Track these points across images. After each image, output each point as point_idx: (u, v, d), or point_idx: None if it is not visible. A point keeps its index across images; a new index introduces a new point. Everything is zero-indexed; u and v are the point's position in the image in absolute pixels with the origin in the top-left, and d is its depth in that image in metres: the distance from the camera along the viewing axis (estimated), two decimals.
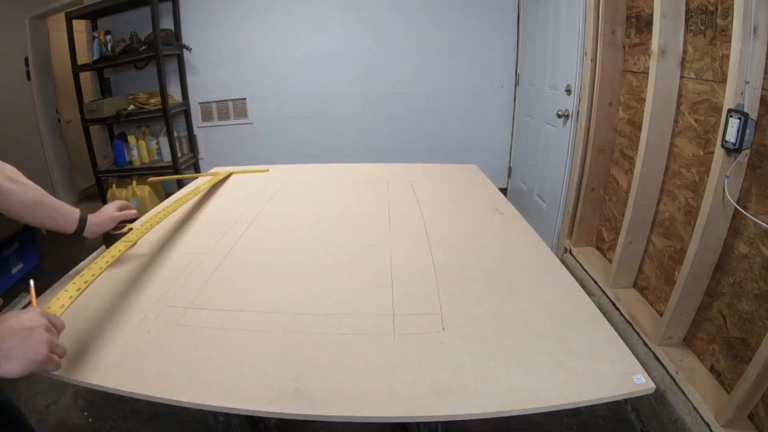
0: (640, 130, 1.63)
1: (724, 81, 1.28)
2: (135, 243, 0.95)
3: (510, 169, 3.31)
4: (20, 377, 0.53)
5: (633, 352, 0.65)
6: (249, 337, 0.70)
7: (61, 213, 0.90)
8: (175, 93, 3.24)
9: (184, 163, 3.17)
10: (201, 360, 0.66)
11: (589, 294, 0.86)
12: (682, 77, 1.51)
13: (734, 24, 1.14)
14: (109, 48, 2.99)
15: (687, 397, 1.32)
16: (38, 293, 0.67)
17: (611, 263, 1.93)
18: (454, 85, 3.16)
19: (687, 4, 1.45)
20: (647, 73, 1.59)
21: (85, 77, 3.22)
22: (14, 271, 2.49)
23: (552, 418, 1.42)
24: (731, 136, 1.17)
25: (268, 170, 1.68)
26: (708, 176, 1.28)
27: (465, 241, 1.04)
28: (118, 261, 0.98)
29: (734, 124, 1.16)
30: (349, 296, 0.82)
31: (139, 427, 1.44)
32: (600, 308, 0.77)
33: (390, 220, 1.17)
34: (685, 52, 1.48)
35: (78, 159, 3.94)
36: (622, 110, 1.93)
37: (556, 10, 2.38)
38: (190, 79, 3.24)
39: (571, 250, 2.29)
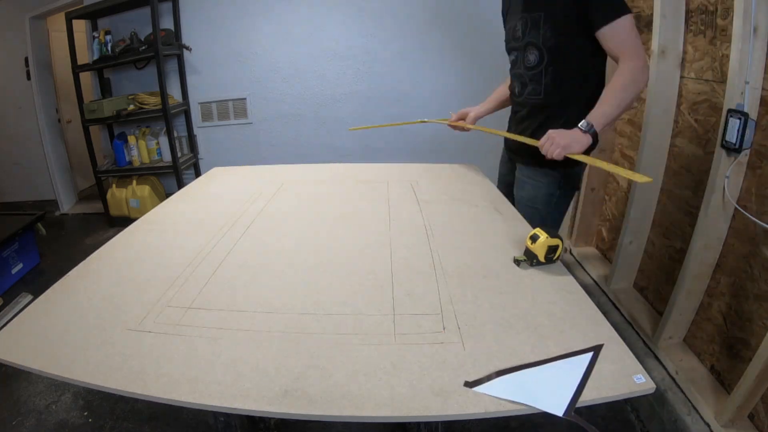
0: (640, 130, 1.63)
1: (724, 81, 1.28)
2: None
3: None
4: None
5: (633, 352, 0.65)
6: (249, 337, 0.70)
7: None
8: (175, 93, 3.24)
9: (184, 163, 3.17)
10: (201, 360, 0.66)
11: (589, 294, 0.86)
12: (682, 77, 1.51)
13: (734, 24, 1.14)
14: (109, 48, 2.99)
15: (687, 397, 1.32)
16: (38, 293, 0.67)
17: (611, 263, 1.93)
18: (455, 85, 3.16)
19: (687, 4, 1.45)
20: None
21: (85, 77, 3.22)
22: (14, 271, 2.49)
23: (552, 418, 1.42)
24: (731, 136, 1.17)
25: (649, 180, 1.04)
26: (708, 176, 1.28)
27: (465, 241, 1.04)
28: (117, 261, 0.99)
29: (734, 124, 1.16)
30: (349, 296, 0.82)
31: (139, 427, 1.44)
32: (600, 308, 0.77)
33: (390, 220, 1.17)
34: (685, 52, 1.48)
35: (78, 159, 3.94)
36: None
37: None
38: (190, 79, 3.24)
39: (571, 250, 2.29)
